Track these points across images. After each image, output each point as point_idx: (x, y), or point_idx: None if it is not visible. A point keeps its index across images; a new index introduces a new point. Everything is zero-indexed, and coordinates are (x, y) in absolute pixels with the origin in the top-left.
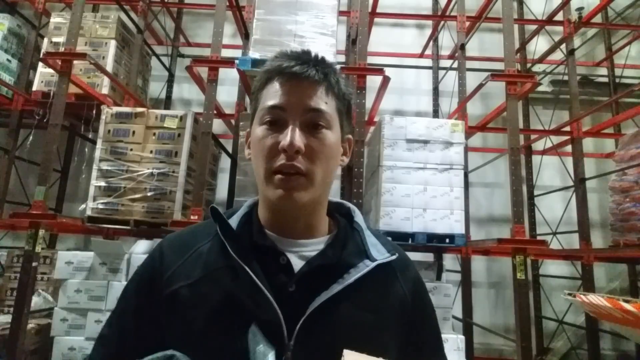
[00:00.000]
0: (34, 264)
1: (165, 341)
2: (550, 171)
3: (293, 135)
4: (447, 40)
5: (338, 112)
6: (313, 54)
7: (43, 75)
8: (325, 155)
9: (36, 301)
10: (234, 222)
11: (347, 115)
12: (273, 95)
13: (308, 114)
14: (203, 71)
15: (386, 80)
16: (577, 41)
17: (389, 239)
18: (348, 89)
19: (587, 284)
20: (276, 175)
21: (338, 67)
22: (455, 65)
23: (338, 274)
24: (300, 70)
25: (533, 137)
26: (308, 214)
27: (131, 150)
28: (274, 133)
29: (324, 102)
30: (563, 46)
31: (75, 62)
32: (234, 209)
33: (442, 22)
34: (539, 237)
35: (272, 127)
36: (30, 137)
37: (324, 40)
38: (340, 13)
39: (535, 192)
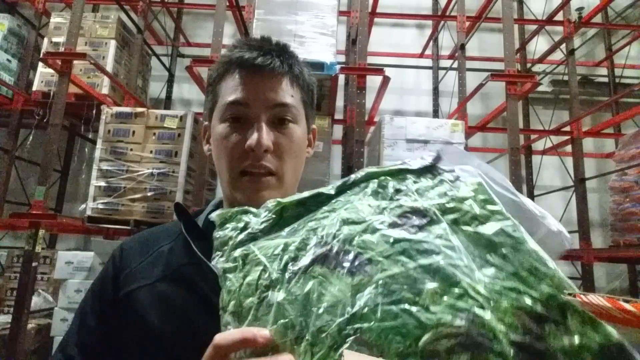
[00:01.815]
0: (34, 264)
1: (121, 345)
2: (550, 171)
3: (260, 134)
4: (447, 40)
5: (303, 104)
6: (274, 42)
7: (43, 75)
8: (294, 152)
9: (36, 301)
10: (199, 220)
11: (311, 106)
12: (234, 89)
13: (274, 109)
14: (203, 71)
15: (386, 80)
16: (577, 41)
17: None
18: (311, 77)
19: (587, 284)
20: (244, 177)
21: (298, 47)
22: (455, 65)
23: None
24: (263, 62)
25: (533, 137)
26: None
27: (131, 150)
28: (237, 131)
29: (289, 95)
30: (563, 46)
31: (75, 62)
32: (199, 210)
33: (442, 22)
34: None
35: (235, 124)
36: (30, 137)
37: (324, 40)
38: (340, 13)
39: (535, 192)
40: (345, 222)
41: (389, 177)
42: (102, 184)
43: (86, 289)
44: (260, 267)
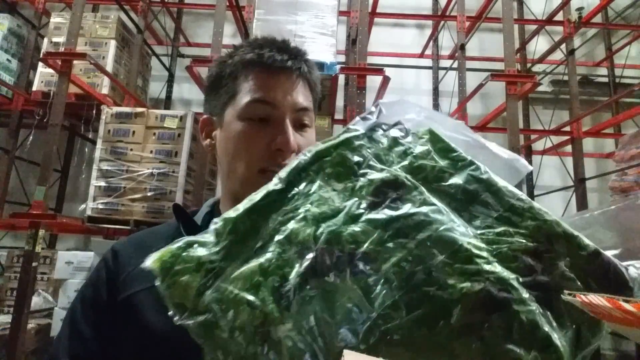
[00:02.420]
0: (34, 264)
1: (120, 351)
2: (550, 171)
3: (290, 135)
4: (447, 40)
5: (313, 106)
6: (289, 43)
7: (43, 75)
8: None
9: (36, 301)
10: (197, 220)
11: (317, 107)
12: (257, 87)
13: (298, 112)
14: (203, 71)
15: (386, 80)
16: (577, 41)
17: None
18: (319, 79)
19: None
20: (262, 175)
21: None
22: (455, 65)
23: None
24: (290, 64)
25: (533, 137)
26: None
27: (131, 150)
28: (262, 130)
29: (308, 100)
30: (563, 46)
31: (75, 62)
32: (194, 210)
33: (442, 22)
34: None
35: (259, 123)
36: (30, 137)
37: (324, 40)
38: (340, 13)
39: (535, 192)
40: (319, 218)
41: (340, 150)
42: (102, 184)
43: None
44: (245, 306)
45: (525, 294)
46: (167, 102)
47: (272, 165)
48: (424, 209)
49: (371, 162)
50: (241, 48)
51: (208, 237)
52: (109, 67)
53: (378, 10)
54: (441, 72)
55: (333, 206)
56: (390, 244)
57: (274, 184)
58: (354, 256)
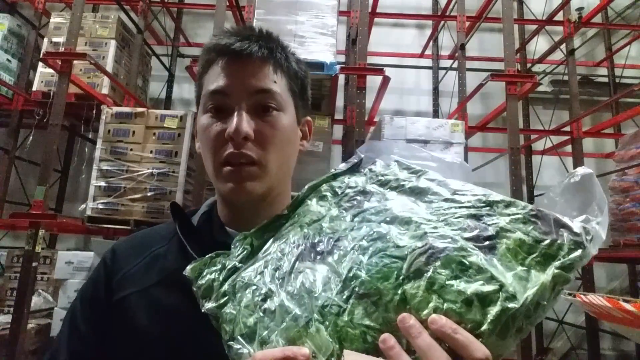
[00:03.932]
0: (34, 264)
1: (115, 351)
2: (550, 171)
3: (239, 121)
4: (447, 40)
5: (291, 92)
6: (257, 29)
7: (43, 75)
8: (279, 140)
9: (36, 301)
10: (194, 220)
11: (302, 96)
12: (214, 78)
13: (255, 95)
14: None
15: (386, 80)
16: (577, 41)
17: None
18: (301, 66)
19: (587, 284)
20: (225, 167)
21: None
22: (455, 65)
23: None
24: (241, 47)
25: (533, 137)
26: (267, 206)
27: (131, 150)
28: (219, 121)
29: (272, 82)
30: (563, 46)
31: (75, 62)
32: (193, 209)
33: (442, 22)
34: None
35: (216, 114)
36: (30, 137)
37: (324, 40)
38: (340, 13)
39: (535, 192)
40: (309, 224)
41: (328, 182)
42: (102, 184)
43: None
44: (252, 288)
45: (466, 243)
46: (167, 102)
47: (229, 156)
48: (385, 202)
49: (349, 185)
50: (208, 41)
51: (232, 250)
52: (109, 67)
53: (378, 10)
54: (441, 72)
55: (319, 215)
56: (357, 227)
57: (282, 212)
58: (329, 241)
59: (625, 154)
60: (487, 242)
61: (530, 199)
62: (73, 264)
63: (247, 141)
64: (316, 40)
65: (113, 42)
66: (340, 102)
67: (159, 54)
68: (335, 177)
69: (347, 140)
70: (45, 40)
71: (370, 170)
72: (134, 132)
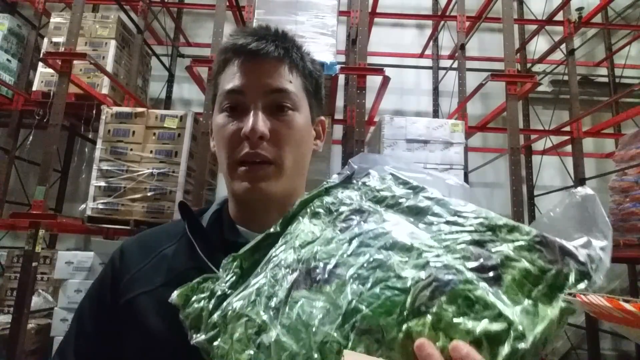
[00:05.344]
0: (34, 264)
1: (122, 352)
2: (550, 171)
3: (255, 120)
4: (447, 40)
5: (305, 92)
6: (273, 29)
7: (43, 75)
8: (295, 140)
9: (36, 301)
10: (204, 219)
11: (316, 95)
12: (231, 78)
13: (271, 95)
14: (203, 71)
15: (386, 80)
16: (577, 41)
17: None
18: (315, 66)
19: None
20: (240, 167)
21: (304, 44)
22: (455, 65)
23: None
24: (257, 47)
25: (533, 137)
26: (281, 206)
27: (131, 150)
28: (235, 120)
29: (287, 81)
30: (563, 46)
31: (75, 62)
32: (203, 208)
33: (442, 22)
34: None
35: (232, 113)
36: (30, 137)
37: (324, 40)
38: (340, 13)
39: (535, 192)
40: (302, 246)
41: (320, 197)
42: (102, 184)
43: (86, 289)
44: (244, 319)
45: (471, 275)
46: (167, 102)
47: (245, 155)
48: (383, 224)
49: (343, 201)
50: (224, 41)
51: (220, 273)
52: (109, 67)
53: (378, 10)
54: (441, 72)
55: (313, 236)
56: (355, 253)
57: (273, 229)
58: (326, 267)
59: (625, 154)
60: (492, 273)
61: (531, 199)
62: (73, 264)
63: (263, 141)
64: (316, 40)
65: (113, 42)
66: (340, 102)
67: (159, 54)
68: (327, 191)
69: (347, 140)
70: (45, 40)
71: (364, 184)
72: (134, 132)
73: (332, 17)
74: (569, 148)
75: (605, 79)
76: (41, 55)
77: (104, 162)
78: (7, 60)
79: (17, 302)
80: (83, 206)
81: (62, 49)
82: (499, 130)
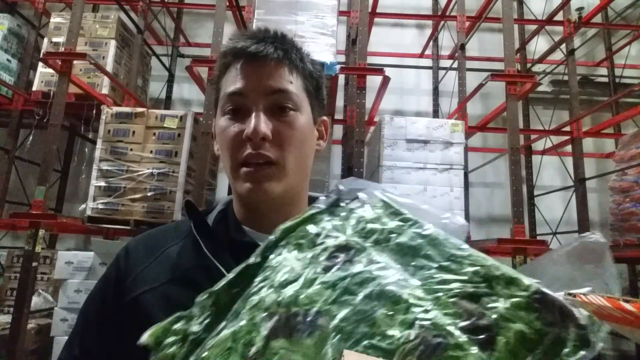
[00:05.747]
0: (34, 264)
1: (126, 349)
2: (550, 171)
3: (257, 121)
4: (447, 40)
5: (306, 92)
6: (272, 31)
7: (43, 75)
8: (297, 140)
9: (36, 301)
10: (209, 219)
11: (317, 95)
12: (232, 81)
13: (272, 96)
14: (203, 71)
15: (386, 80)
16: (577, 41)
17: None
18: (315, 66)
19: None
20: (243, 168)
21: (303, 45)
22: (455, 65)
23: None
24: (257, 50)
25: (533, 137)
26: (284, 206)
27: (131, 150)
28: (237, 122)
29: (288, 82)
30: (563, 46)
31: (75, 62)
32: (207, 209)
33: (442, 22)
34: (539, 237)
35: (234, 116)
36: (30, 137)
37: (324, 40)
38: (340, 13)
39: (535, 192)
40: (283, 285)
41: (304, 225)
42: (102, 184)
43: (86, 289)
44: None
45: (463, 338)
46: (167, 102)
47: (248, 156)
48: (370, 267)
49: (329, 232)
50: (225, 44)
51: (195, 311)
52: (109, 67)
53: (378, 10)
54: (441, 72)
55: (294, 273)
56: (339, 302)
57: (253, 258)
58: (308, 316)
59: (625, 154)
60: (484, 335)
61: (531, 199)
62: (73, 264)
63: (265, 142)
64: (316, 40)
65: (113, 42)
66: (340, 102)
67: (159, 54)
68: (312, 217)
69: (347, 140)
70: (45, 40)
71: (351, 210)
72: (134, 132)
73: (332, 17)
74: (569, 148)
75: (605, 79)
76: (41, 55)
77: (104, 162)
78: (7, 60)
79: (17, 302)
80: (83, 206)
81: (62, 49)
82: (499, 130)
